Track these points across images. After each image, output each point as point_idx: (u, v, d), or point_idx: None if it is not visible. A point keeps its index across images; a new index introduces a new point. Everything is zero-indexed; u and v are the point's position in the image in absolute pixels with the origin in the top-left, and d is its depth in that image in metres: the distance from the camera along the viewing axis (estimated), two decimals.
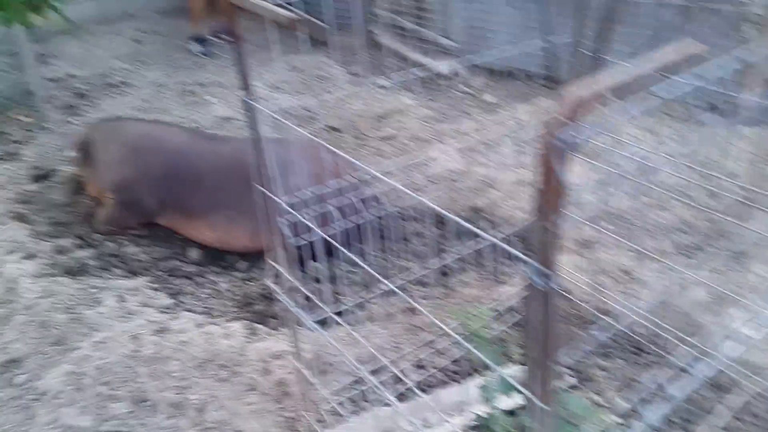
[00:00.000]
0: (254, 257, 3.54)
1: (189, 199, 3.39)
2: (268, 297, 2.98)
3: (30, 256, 3.19)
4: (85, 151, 3.55)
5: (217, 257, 3.58)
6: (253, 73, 1.71)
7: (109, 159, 3.46)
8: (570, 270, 2.87)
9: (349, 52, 5.80)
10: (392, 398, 1.62)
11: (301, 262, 2.71)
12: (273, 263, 1.92)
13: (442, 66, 4.92)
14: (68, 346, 2.59)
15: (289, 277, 1.87)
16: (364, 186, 3.47)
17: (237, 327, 2.69)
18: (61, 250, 3.26)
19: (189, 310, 2.88)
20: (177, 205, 3.42)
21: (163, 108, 4.97)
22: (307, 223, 1.71)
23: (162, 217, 3.49)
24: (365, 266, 1.62)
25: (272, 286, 1.97)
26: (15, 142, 4.42)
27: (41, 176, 3.95)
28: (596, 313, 2.61)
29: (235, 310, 2.94)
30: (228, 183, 3.35)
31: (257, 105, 1.67)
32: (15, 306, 2.83)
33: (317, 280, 2.93)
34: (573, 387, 2.43)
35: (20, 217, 3.51)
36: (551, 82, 4.97)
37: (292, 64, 5.76)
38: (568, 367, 2.53)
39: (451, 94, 5.14)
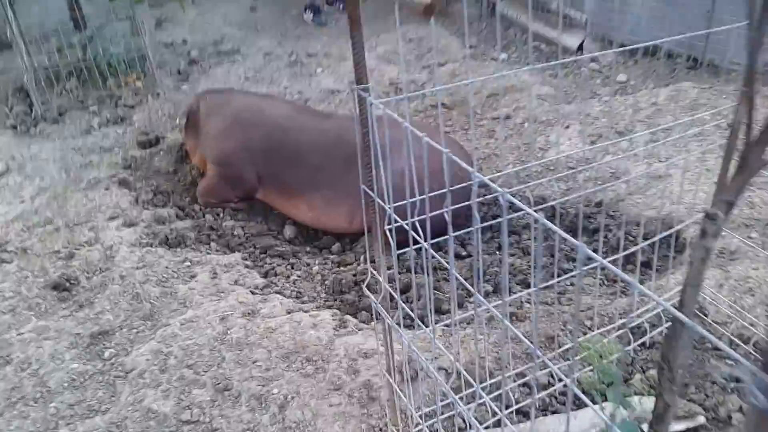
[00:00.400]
0: (349, 239, 3.34)
1: (288, 176, 3.23)
2: (361, 285, 2.77)
3: (130, 224, 3.17)
4: (192, 121, 3.47)
5: (312, 237, 3.42)
6: (366, 45, 1.44)
7: (212, 131, 3.36)
8: (709, 287, 2.42)
9: (466, 23, 5.41)
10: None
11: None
12: (373, 271, 1.67)
13: (570, 40, 4.43)
14: (158, 322, 2.51)
15: (392, 293, 1.61)
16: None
17: (326, 316, 2.49)
18: (160, 220, 3.21)
19: (279, 293, 2.73)
20: (275, 181, 3.28)
21: (271, 78, 4.87)
22: (414, 236, 1.44)
23: (260, 192, 3.37)
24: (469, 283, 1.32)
25: (369, 294, 1.73)
26: (126, 106, 4.48)
27: (148, 142, 3.96)
28: (736, 340, 2.17)
29: (326, 296, 2.75)
30: (328, 161, 3.15)
31: (371, 99, 1.40)
32: (111, 274, 2.80)
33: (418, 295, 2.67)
34: (704, 428, 2.02)
35: (124, 183, 3.52)
36: (696, 63, 4.34)
37: (406, 35, 5.47)
38: (700, 404, 2.12)
39: (577, 72, 4.65)
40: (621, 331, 2.14)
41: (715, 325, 2.26)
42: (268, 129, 3.25)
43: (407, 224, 1.42)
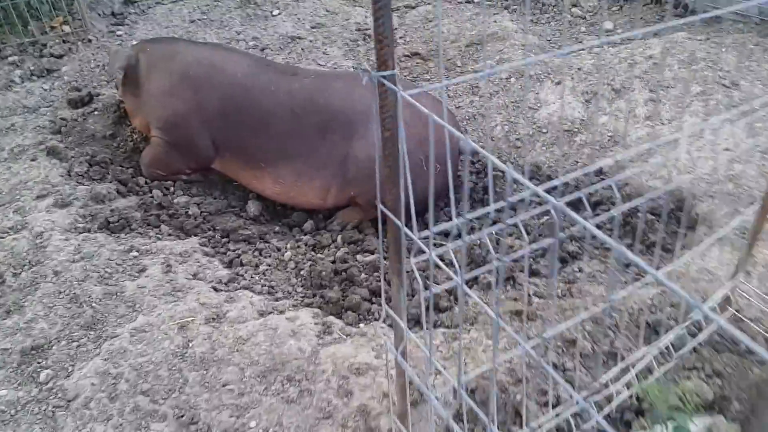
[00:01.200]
0: (323, 215, 2.96)
1: (249, 145, 2.78)
2: (343, 277, 2.41)
3: (63, 204, 2.68)
4: (130, 78, 2.94)
5: (280, 213, 3.02)
6: None
7: (156, 90, 2.85)
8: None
9: None
10: None
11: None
12: (390, 311, 1.32)
13: None
14: (103, 332, 2.10)
15: (413, 338, 1.26)
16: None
17: (307, 319, 2.14)
18: (99, 198, 2.74)
19: (248, 288, 2.34)
20: (234, 151, 2.83)
21: (221, 21, 4.28)
22: (447, 269, 1.08)
23: (217, 162, 2.92)
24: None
25: (392, 314, 1.38)
26: (53, 55, 3.85)
27: (80, 100, 3.39)
28: None
29: (303, 291, 2.39)
30: (298, 128, 2.72)
31: (401, 91, 1.00)
32: (43, 269, 2.35)
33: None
34: None
35: (54, 152, 2.99)
36: (685, 10, 4.02)
37: None
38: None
39: (559, 18, 4.26)
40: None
41: (749, 322, 2.02)
42: (224, 89, 2.77)
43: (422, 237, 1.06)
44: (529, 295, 2.21)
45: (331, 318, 2.16)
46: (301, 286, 2.40)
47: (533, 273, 2.37)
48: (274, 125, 2.73)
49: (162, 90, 2.82)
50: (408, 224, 1.12)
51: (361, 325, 2.15)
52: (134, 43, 3.89)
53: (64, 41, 3.99)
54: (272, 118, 2.73)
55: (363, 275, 2.39)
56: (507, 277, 2.29)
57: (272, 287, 2.38)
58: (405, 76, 3.68)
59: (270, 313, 2.20)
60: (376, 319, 2.16)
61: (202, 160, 2.89)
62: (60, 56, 3.87)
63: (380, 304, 2.24)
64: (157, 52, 2.89)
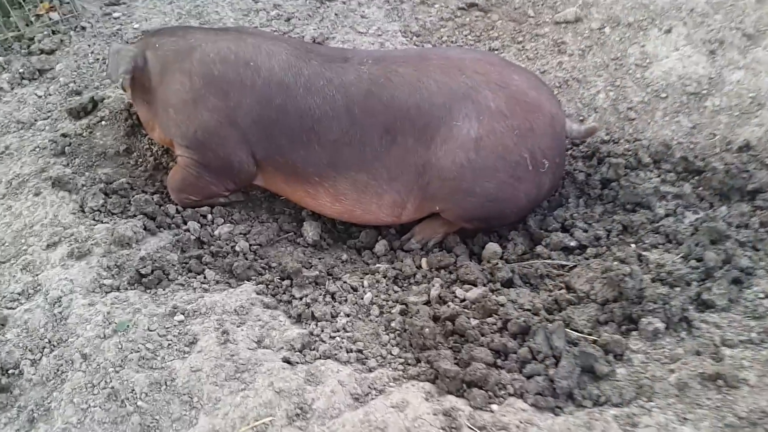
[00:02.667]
0: (396, 229, 2.41)
1: (298, 156, 2.20)
2: (449, 329, 1.86)
3: (80, 254, 2.14)
4: (139, 82, 2.34)
5: (344, 233, 2.47)
6: None
7: (174, 98, 2.24)
8: None
9: None
10: None
11: None
12: None
13: None
14: None
15: None
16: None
17: (419, 404, 1.61)
18: (123, 241, 2.19)
19: (330, 356, 1.82)
20: (281, 164, 2.25)
21: None
22: None
23: (260, 177, 2.34)
24: None
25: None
26: (44, 51, 3.24)
27: (82, 109, 2.80)
28: None
29: (400, 352, 1.85)
30: (359, 132, 2.13)
31: None
32: (68, 352, 1.84)
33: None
34: None
35: (60, 182, 2.43)
36: None
37: None
38: None
39: None
40: None
41: None
42: (260, 89, 2.17)
43: None
44: (715, 344, 1.65)
45: (451, 399, 1.63)
46: (396, 344, 1.87)
47: (704, 304, 1.80)
48: (326, 130, 2.14)
49: (182, 99, 2.22)
50: None
51: (494, 407, 1.61)
52: (135, 31, 3.27)
53: (53, 32, 3.36)
54: (323, 122, 2.13)
55: (474, 322, 1.85)
56: (677, 319, 1.72)
57: (360, 351, 1.84)
58: (465, 36, 3.02)
59: (367, 394, 1.68)
60: (512, 395, 1.63)
61: (242, 179, 2.32)
62: (51, 51, 3.25)
63: (511, 370, 1.70)
64: (168, 48, 2.27)
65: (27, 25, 3.42)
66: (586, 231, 2.20)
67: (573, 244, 2.15)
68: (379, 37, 3.12)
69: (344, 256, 2.29)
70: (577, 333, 1.75)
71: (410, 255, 2.29)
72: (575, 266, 2.04)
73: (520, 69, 2.24)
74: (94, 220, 2.32)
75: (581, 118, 2.60)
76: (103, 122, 2.76)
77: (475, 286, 2.03)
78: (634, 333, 1.73)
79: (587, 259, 2.10)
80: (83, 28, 3.38)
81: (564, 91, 2.70)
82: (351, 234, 2.44)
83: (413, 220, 2.31)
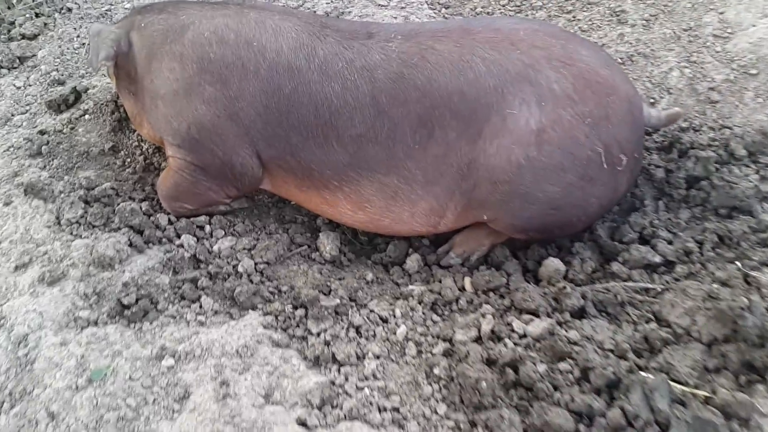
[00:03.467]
0: (430, 240, 2.00)
1: (313, 157, 1.79)
2: (512, 380, 1.45)
3: (53, 278, 1.77)
4: (124, 68, 1.94)
5: (367, 244, 2.07)
6: None
7: (166, 88, 1.85)
8: None
9: None
10: None
11: None
12: None
13: None
14: None
15: None
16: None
17: None
18: (104, 261, 1.81)
19: (359, 417, 1.42)
20: (292, 166, 1.85)
21: None
22: None
23: (267, 181, 1.94)
24: None
25: None
26: (25, 37, 2.86)
27: (64, 101, 2.42)
28: None
29: (447, 411, 1.44)
30: (387, 126, 1.72)
31: None
32: (32, 409, 1.47)
33: None
34: None
35: (34, 189, 2.05)
36: None
37: None
38: None
39: None
40: None
41: None
42: (266, 75, 1.76)
43: None
44: None
45: None
46: (443, 399, 1.46)
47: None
48: (347, 124, 1.73)
49: (172, 88, 1.82)
50: None
51: None
52: (127, 11, 2.87)
53: (37, 14, 2.98)
54: (343, 114, 1.72)
55: (542, 367, 1.43)
56: None
57: (396, 409, 1.44)
58: (503, 6, 2.57)
59: None
60: None
61: (246, 184, 1.92)
62: (34, 36, 2.87)
63: None
64: (156, 28, 1.86)
65: (8, 8, 3.05)
66: (671, 243, 1.77)
67: (657, 259, 1.72)
68: (402, 9, 2.68)
69: (369, 276, 1.88)
70: (681, 386, 1.33)
71: (450, 273, 1.88)
72: (665, 290, 1.62)
73: (586, 42, 1.80)
74: (71, 234, 1.94)
75: (652, 100, 2.15)
76: (86, 116, 2.37)
77: (537, 316, 1.62)
78: (759, 387, 1.31)
79: (678, 280, 1.67)
80: (69, 10, 3.00)
81: (629, 68, 2.25)
82: (376, 246, 2.04)
83: (453, 230, 1.90)
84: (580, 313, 1.64)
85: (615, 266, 1.73)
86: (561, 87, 1.62)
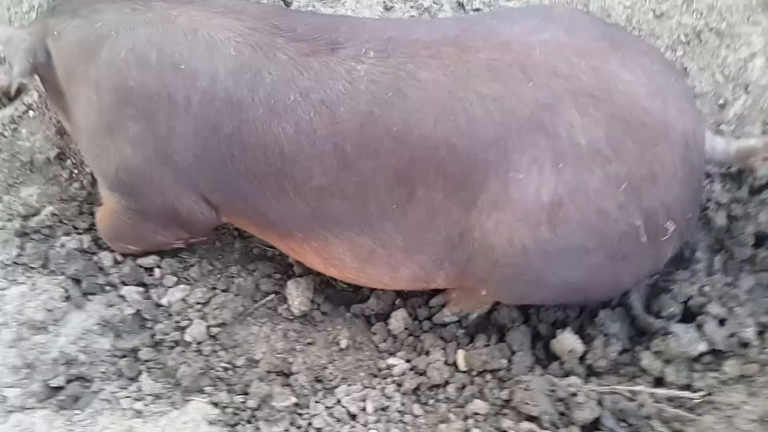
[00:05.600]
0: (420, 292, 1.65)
1: (267, 207, 1.42)
2: None
3: None
4: (49, 83, 1.56)
5: (343, 290, 1.73)
6: None
7: (86, 122, 1.47)
8: None
9: None
10: None
11: None
12: None
13: None
14: None
15: None
16: None
17: None
18: (35, 324, 1.55)
19: None
20: (245, 212, 1.49)
21: None
22: None
23: (227, 218, 1.59)
24: None
25: None
26: None
27: (4, 93, 2.05)
28: None
29: None
30: (355, 178, 1.32)
31: None
32: None
33: None
34: None
35: None
36: None
37: None
38: None
39: None
40: None
41: None
42: (198, 109, 1.35)
43: None
44: None
45: None
46: None
47: None
48: (304, 174, 1.33)
49: (92, 123, 1.44)
50: None
51: None
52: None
53: None
54: (298, 162, 1.32)
55: None
56: None
57: None
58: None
59: None
60: None
61: (197, 229, 1.57)
62: None
63: None
64: (70, 39, 1.44)
65: None
66: (723, 323, 1.37)
67: (702, 348, 1.34)
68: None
69: (344, 341, 1.56)
70: None
71: (441, 340, 1.54)
72: (706, 404, 1.25)
73: (631, 51, 1.28)
74: (6, 279, 1.67)
75: (721, 102, 1.64)
76: (30, 113, 2.01)
77: (539, 425, 1.29)
78: None
79: (725, 383, 1.29)
80: None
81: (693, 51, 1.70)
82: (358, 290, 1.70)
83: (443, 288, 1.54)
84: (593, 427, 1.30)
85: (645, 360, 1.35)
86: (589, 138, 1.17)
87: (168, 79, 1.34)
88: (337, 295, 1.70)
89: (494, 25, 1.30)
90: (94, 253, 1.70)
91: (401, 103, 1.24)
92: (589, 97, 1.18)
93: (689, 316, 1.42)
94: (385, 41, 1.31)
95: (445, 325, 1.58)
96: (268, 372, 1.46)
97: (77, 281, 1.64)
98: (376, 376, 1.49)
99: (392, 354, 1.55)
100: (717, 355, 1.36)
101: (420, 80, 1.24)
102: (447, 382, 1.45)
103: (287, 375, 1.47)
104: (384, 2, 1.95)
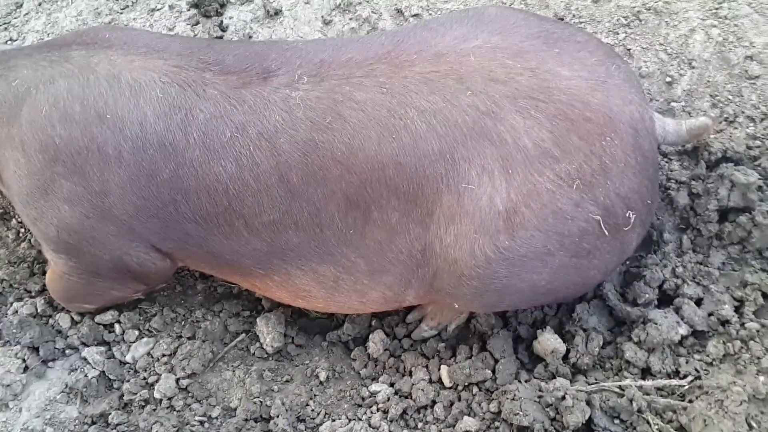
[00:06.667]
0: (384, 317, 1.61)
1: (219, 248, 1.37)
2: None
3: None
4: None
5: (321, 315, 1.67)
6: None
7: (17, 183, 1.38)
8: None
9: None
10: None
11: None
12: None
13: None
14: None
15: None
16: None
17: None
18: None
19: None
20: (200, 256, 1.42)
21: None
22: None
23: (185, 262, 1.52)
24: None
25: None
26: None
27: None
28: None
29: None
30: (308, 207, 1.26)
31: None
32: None
33: None
34: None
35: None
36: None
37: None
38: None
39: None
40: None
41: None
42: (130, 158, 1.28)
43: None
44: None
45: None
46: None
47: None
48: (253, 211, 1.28)
49: (24, 186, 1.36)
50: None
51: None
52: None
53: None
54: (245, 199, 1.27)
55: None
56: None
57: None
58: None
59: None
60: None
61: (152, 279, 1.50)
62: None
63: None
64: (10, 76, 1.37)
65: None
66: (700, 303, 1.35)
67: (683, 332, 1.31)
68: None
69: (323, 373, 1.51)
70: None
71: (422, 357, 1.50)
72: (696, 389, 1.23)
73: (567, 46, 1.25)
74: None
75: (668, 79, 1.62)
76: None
77: None
78: None
79: (711, 364, 1.27)
80: None
81: (634, 32, 1.69)
82: (332, 316, 1.64)
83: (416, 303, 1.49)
84: (587, 428, 1.26)
85: (628, 351, 1.33)
86: (534, 140, 1.14)
87: (95, 130, 1.28)
88: (311, 324, 1.64)
89: (426, 36, 1.26)
90: (49, 317, 1.62)
91: (342, 127, 1.19)
92: (529, 99, 1.15)
93: (666, 299, 1.40)
94: (318, 65, 1.26)
95: (425, 340, 1.54)
96: (246, 420, 1.40)
97: (35, 349, 1.56)
98: (360, 405, 1.44)
99: (374, 379, 1.50)
100: (699, 336, 1.34)
101: (357, 101, 1.19)
102: (434, 402, 1.41)
103: (267, 419, 1.41)
104: (323, 17, 1.92)
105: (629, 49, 1.68)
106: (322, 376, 1.51)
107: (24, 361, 1.53)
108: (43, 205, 1.35)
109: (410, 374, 1.47)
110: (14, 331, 1.57)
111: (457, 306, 1.35)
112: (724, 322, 1.31)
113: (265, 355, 1.56)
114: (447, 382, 1.44)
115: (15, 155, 1.34)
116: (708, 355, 1.29)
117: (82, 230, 1.36)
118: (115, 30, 1.47)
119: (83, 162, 1.29)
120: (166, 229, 1.35)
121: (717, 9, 1.64)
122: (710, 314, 1.33)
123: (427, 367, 1.47)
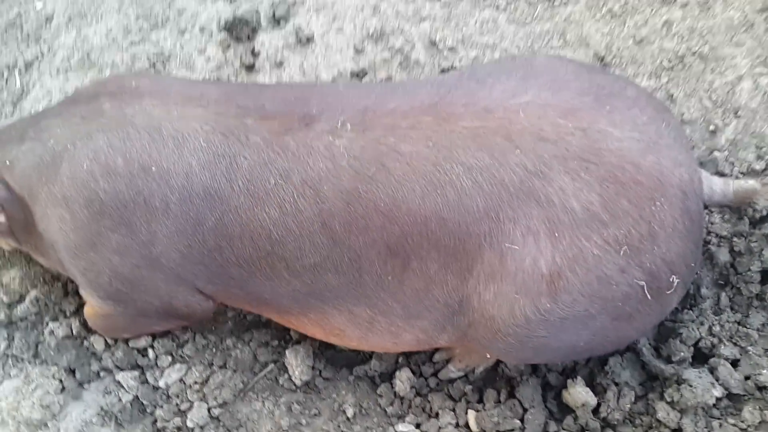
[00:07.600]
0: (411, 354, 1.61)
1: (264, 288, 1.38)
2: None
3: None
4: (16, 218, 1.48)
5: (348, 351, 1.68)
6: None
7: (64, 240, 1.38)
8: None
9: None
10: None
11: None
12: None
13: None
14: None
15: None
16: None
17: None
18: (32, 422, 1.50)
19: None
20: (242, 296, 1.44)
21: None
22: None
23: (223, 300, 1.54)
24: None
25: None
26: None
27: None
28: None
29: None
30: (348, 254, 1.28)
31: None
32: None
33: None
34: None
35: None
36: None
37: None
38: None
39: None
40: None
41: None
42: (177, 209, 1.30)
43: None
44: None
45: None
46: None
47: None
48: (296, 255, 1.29)
49: (72, 241, 1.37)
50: None
51: None
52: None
53: None
54: (287, 244, 1.28)
55: None
56: None
57: None
58: None
59: None
60: None
61: (195, 318, 1.53)
62: None
63: None
64: (26, 165, 1.38)
65: None
66: (737, 365, 1.33)
67: (717, 393, 1.30)
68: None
69: (350, 409, 1.52)
70: None
71: (449, 399, 1.51)
72: None
73: (618, 103, 1.23)
74: None
75: (712, 128, 1.60)
76: None
77: None
78: None
79: (746, 431, 1.26)
80: None
81: (678, 77, 1.67)
82: (361, 355, 1.65)
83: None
84: None
85: (660, 411, 1.32)
86: (583, 203, 1.13)
87: (140, 183, 1.29)
88: (338, 356, 1.65)
89: (474, 88, 1.25)
90: (84, 338, 1.65)
91: (386, 179, 1.19)
92: (578, 160, 1.14)
93: (700, 356, 1.39)
94: (362, 112, 1.26)
95: (451, 381, 1.54)
96: None
97: (71, 371, 1.60)
98: None
99: (401, 418, 1.51)
100: (734, 399, 1.32)
101: (402, 153, 1.19)
102: None
103: None
104: (355, 46, 1.92)
105: (671, 95, 1.66)
106: (349, 412, 1.52)
107: (61, 382, 1.57)
108: (93, 257, 1.37)
109: (437, 416, 1.47)
110: (53, 353, 1.60)
111: (489, 356, 1.35)
112: (762, 388, 1.30)
113: (294, 388, 1.58)
114: (474, 428, 1.44)
115: (59, 212, 1.35)
116: (743, 421, 1.27)
117: (134, 279, 1.39)
118: (142, 77, 1.49)
119: (130, 215, 1.31)
120: (210, 274, 1.37)
121: (767, 57, 1.61)
122: (747, 378, 1.32)
123: (454, 410, 1.48)
